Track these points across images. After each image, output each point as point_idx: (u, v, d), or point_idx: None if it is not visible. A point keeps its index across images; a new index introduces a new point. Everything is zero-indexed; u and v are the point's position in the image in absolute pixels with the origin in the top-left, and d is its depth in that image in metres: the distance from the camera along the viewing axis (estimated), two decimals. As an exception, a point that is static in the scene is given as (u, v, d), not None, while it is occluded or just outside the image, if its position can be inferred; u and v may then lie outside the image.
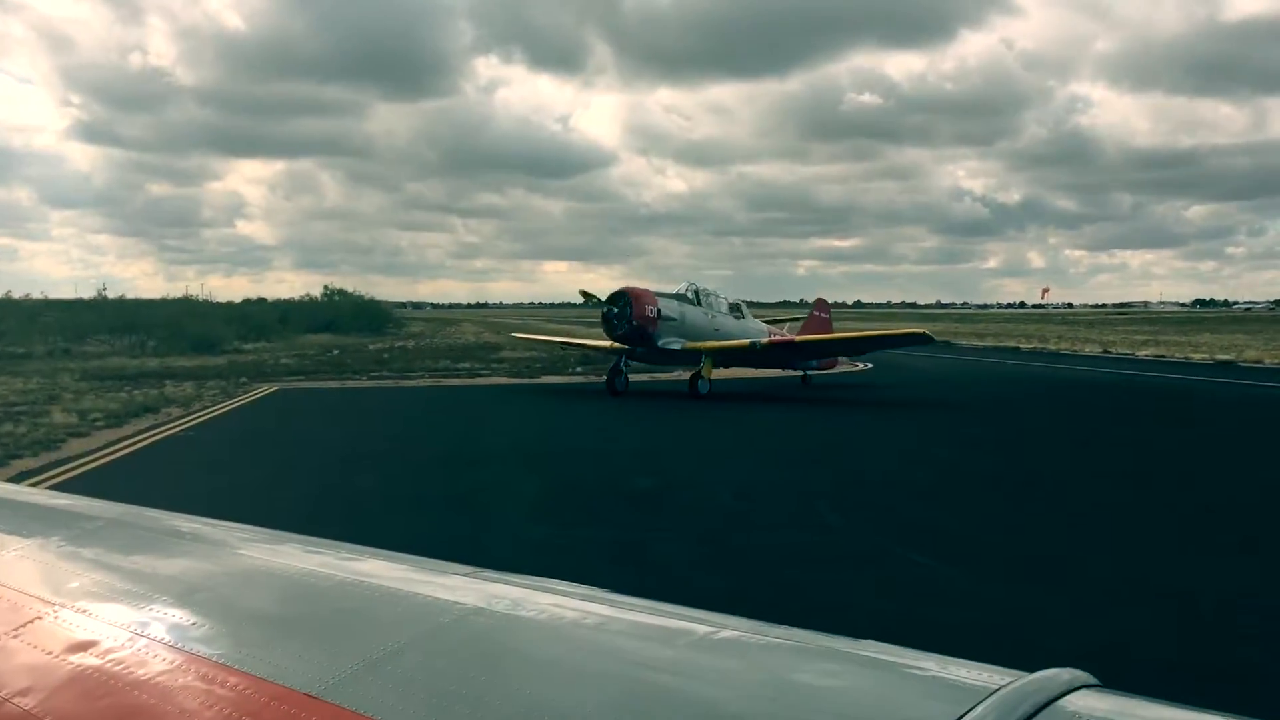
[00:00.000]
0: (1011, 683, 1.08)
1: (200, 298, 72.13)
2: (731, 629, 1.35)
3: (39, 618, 1.63)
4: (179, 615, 1.58)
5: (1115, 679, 1.12)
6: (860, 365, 38.53)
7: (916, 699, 1.13)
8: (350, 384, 30.53)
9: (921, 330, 29.13)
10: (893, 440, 19.01)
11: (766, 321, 31.42)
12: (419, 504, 12.10)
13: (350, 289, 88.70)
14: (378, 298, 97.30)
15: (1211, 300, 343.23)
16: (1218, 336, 67.33)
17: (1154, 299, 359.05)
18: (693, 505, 12.25)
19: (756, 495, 12.93)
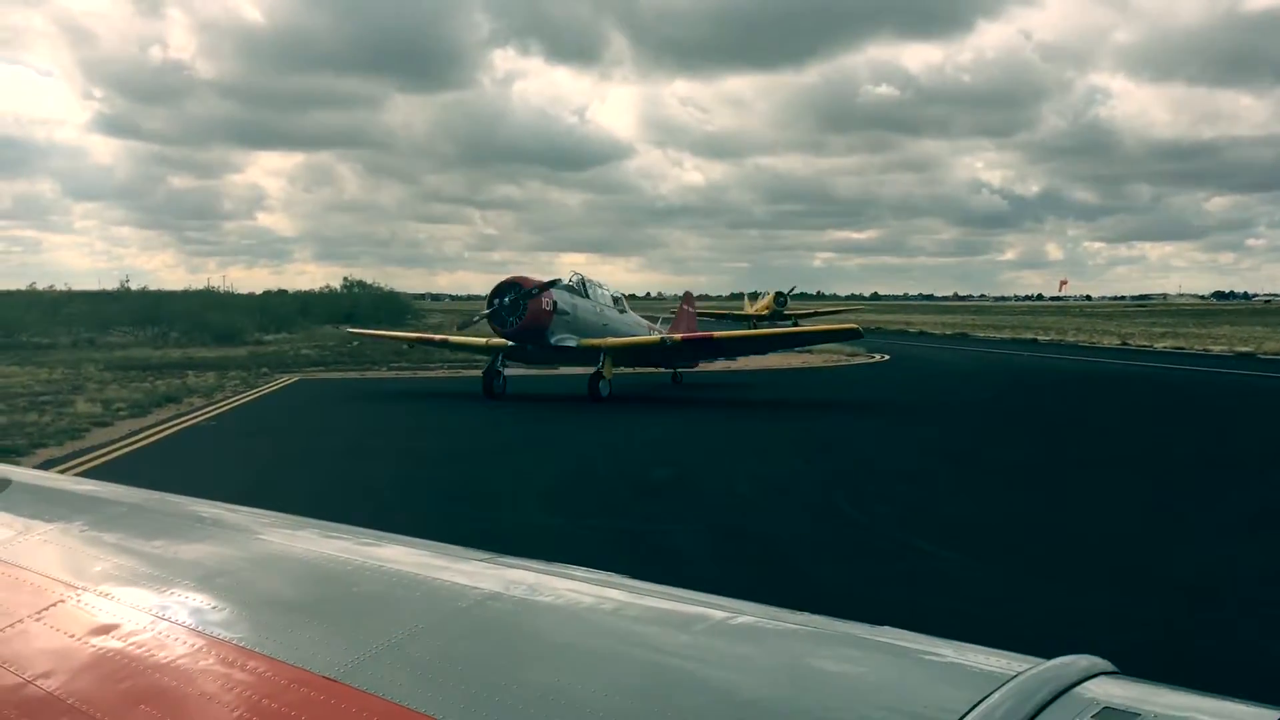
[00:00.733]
0: (1029, 669, 1.08)
1: (222, 289, 72.54)
2: (748, 614, 1.35)
3: (62, 601, 1.65)
4: (199, 599, 1.60)
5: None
6: (878, 356, 38.37)
7: (934, 685, 1.13)
8: (370, 374, 30.69)
9: (852, 326, 28.32)
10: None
11: (647, 317, 29.19)
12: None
13: (370, 280, 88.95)
14: (397, 289, 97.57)
15: (1231, 292, 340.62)
16: (1237, 329, 66.85)
17: (1173, 291, 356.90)
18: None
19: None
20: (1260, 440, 17.80)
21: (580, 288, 24.77)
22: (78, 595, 1.66)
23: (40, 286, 65.65)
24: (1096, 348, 48.04)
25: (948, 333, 63.29)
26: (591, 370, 23.51)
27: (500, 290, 23.13)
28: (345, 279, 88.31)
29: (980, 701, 1.02)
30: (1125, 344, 50.23)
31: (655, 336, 25.55)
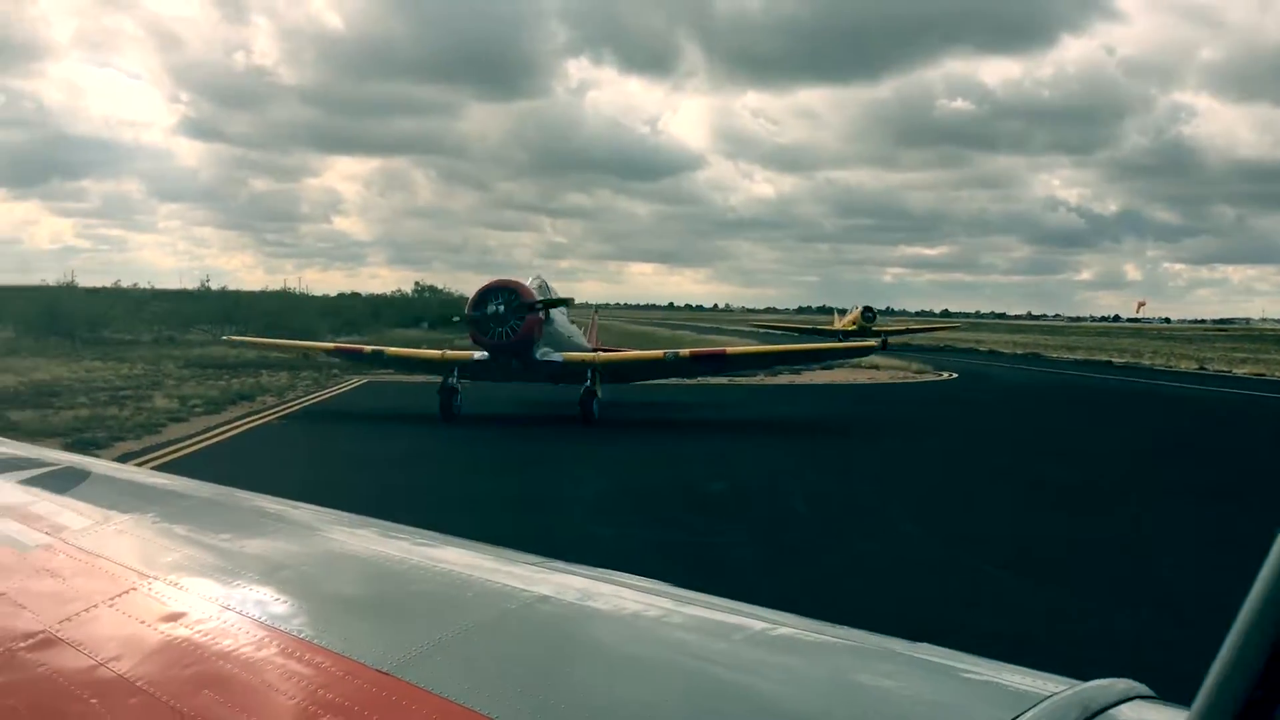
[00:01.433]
0: (1064, 690, 1.08)
1: (297, 291, 73.91)
2: (788, 626, 1.38)
3: (134, 589, 1.72)
4: (262, 591, 1.66)
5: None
6: (946, 374, 37.87)
7: (969, 702, 1.14)
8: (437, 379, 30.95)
9: (869, 344, 28.59)
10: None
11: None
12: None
13: (440, 286, 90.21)
14: (467, 295, 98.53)
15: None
16: (1325, 356, 64.77)
17: (1256, 316, 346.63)
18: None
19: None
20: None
21: (547, 292, 21.01)
22: (149, 584, 1.74)
23: (125, 284, 67.42)
24: (1172, 371, 46.91)
25: (1019, 352, 62.23)
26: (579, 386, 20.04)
27: (489, 295, 19.57)
28: (416, 284, 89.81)
29: None
30: (1203, 369, 48.96)
31: (659, 352, 22.75)
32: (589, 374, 20.04)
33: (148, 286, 68.23)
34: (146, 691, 1.38)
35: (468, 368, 20.69)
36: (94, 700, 1.39)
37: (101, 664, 1.47)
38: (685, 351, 22.38)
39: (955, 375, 38.01)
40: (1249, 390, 35.29)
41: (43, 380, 24.34)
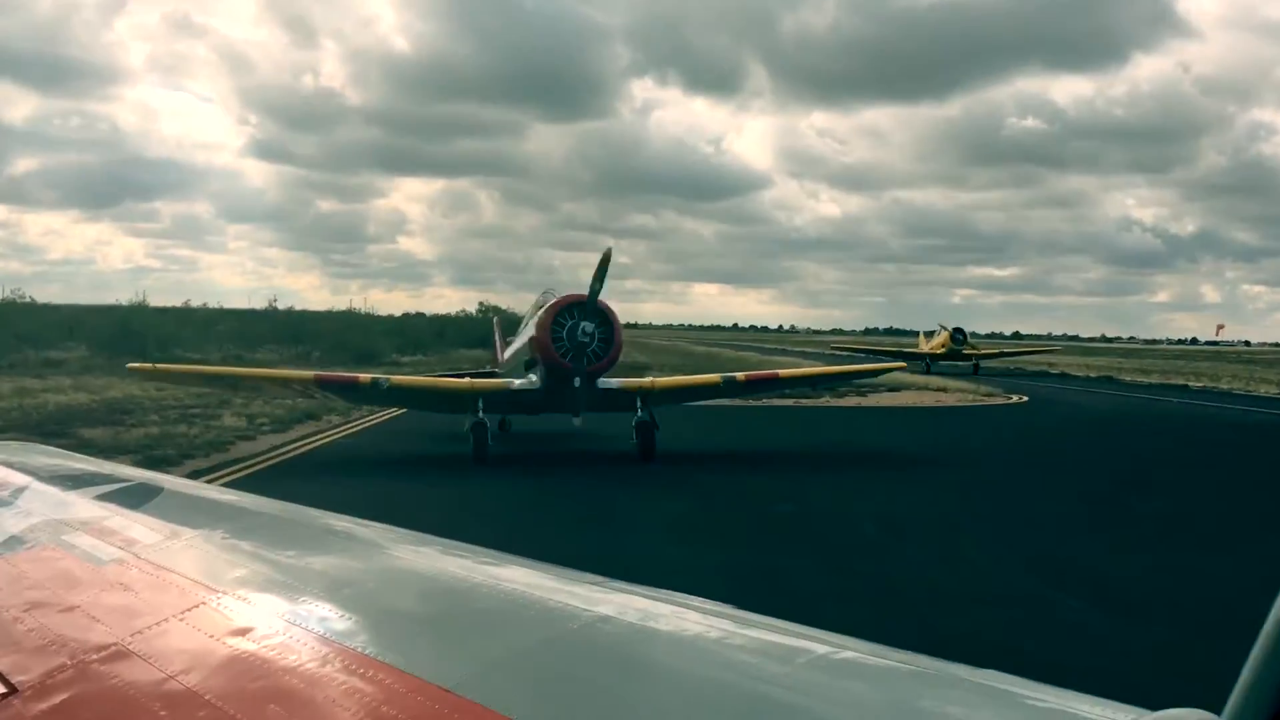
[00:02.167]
0: None
1: (362, 311, 75.10)
2: (851, 650, 1.36)
3: (203, 603, 1.76)
4: (327, 608, 1.68)
5: None
6: (1016, 398, 37.27)
7: None
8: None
9: (900, 364, 28.71)
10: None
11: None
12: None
13: (504, 306, 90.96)
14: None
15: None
16: None
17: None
18: None
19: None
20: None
21: None
22: (217, 598, 1.77)
23: (194, 304, 69.14)
24: (1250, 396, 45.73)
25: (1092, 374, 61.06)
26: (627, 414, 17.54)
27: (578, 311, 16.65)
28: (480, 304, 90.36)
29: None
30: (1286, 392, 47.62)
31: (716, 377, 20.62)
32: (637, 401, 17.66)
33: (217, 306, 69.89)
34: (213, 704, 1.40)
35: (499, 399, 17.79)
36: (163, 712, 1.42)
37: (171, 677, 1.50)
38: (741, 376, 20.83)
39: (1025, 398, 37.39)
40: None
41: (115, 398, 24.93)
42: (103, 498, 2.58)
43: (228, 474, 14.63)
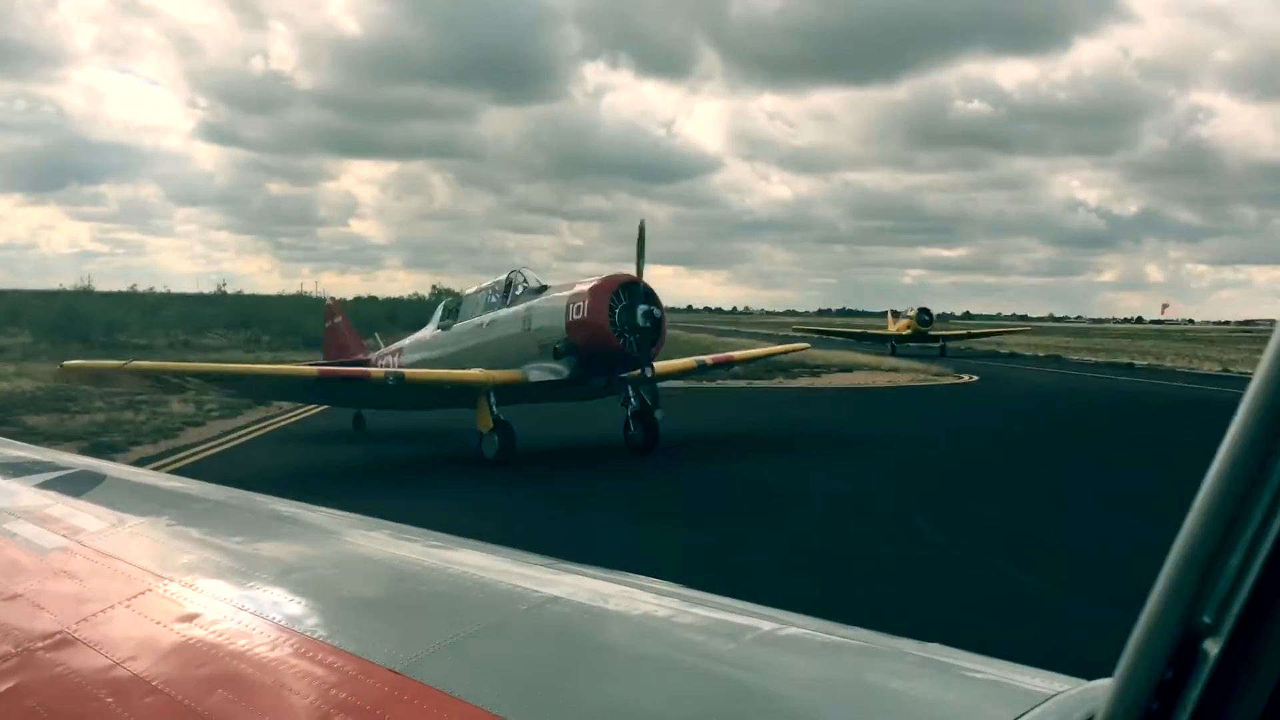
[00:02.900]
0: (1068, 690, 1.09)
1: (314, 295, 74.18)
2: (797, 626, 1.38)
3: (150, 590, 1.74)
4: (276, 593, 1.68)
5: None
6: (966, 377, 37.68)
7: (974, 701, 1.15)
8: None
9: (803, 345, 32.62)
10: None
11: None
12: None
13: (458, 289, 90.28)
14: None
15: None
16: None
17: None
18: None
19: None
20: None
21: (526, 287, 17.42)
22: (164, 585, 1.76)
23: (141, 288, 68.12)
24: (1193, 373, 46.61)
25: (1040, 354, 61.86)
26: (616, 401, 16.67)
27: (636, 292, 15.38)
28: (434, 287, 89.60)
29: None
30: (1227, 370, 48.59)
31: (692, 361, 20.54)
32: (628, 387, 16.40)
33: (164, 290, 68.78)
34: (162, 691, 1.40)
35: (514, 391, 16.05)
36: (110, 700, 1.41)
37: (118, 664, 1.49)
38: (709, 358, 21.74)
39: (975, 378, 37.78)
40: None
41: (59, 385, 24.45)
42: (44, 485, 2.54)
43: (172, 462, 14.43)
